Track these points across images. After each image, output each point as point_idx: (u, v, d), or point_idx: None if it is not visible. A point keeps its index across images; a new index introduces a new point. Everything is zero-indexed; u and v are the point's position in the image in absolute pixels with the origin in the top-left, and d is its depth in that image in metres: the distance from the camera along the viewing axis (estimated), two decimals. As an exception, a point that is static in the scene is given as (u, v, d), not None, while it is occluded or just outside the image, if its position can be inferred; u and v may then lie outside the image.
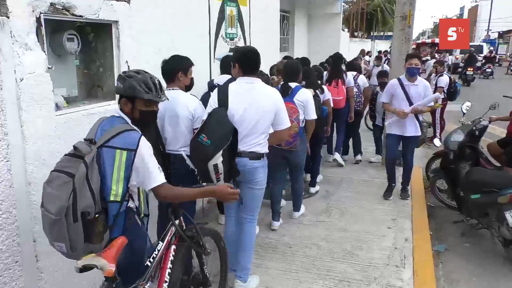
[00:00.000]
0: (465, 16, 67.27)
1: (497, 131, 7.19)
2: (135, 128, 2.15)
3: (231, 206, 3.23)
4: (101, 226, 1.97)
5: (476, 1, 62.69)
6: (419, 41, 28.76)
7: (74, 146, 2.01)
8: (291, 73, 4.18)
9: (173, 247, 2.41)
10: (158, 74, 2.78)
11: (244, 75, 2.95)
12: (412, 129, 4.79)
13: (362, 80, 6.71)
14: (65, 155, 2.04)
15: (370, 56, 17.88)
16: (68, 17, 2.69)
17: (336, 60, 6.25)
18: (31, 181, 2.44)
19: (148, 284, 2.17)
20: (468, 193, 4.02)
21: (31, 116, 2.41)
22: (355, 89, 6.36)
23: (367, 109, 7.16)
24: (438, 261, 3.84)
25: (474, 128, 4.48)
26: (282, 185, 4.47)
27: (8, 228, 2.32)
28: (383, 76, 6.78)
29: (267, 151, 3.07)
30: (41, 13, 2.45)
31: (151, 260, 2.24)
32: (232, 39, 5.36)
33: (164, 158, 3.02)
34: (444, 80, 7.93)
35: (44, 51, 2.51)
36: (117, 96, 2.24)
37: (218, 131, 2.67)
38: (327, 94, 5.20)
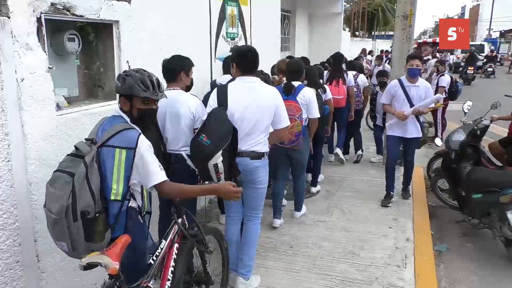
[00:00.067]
0: (467, 15, 67.16)
1: (499, 131, 7.17)
2: (134, 127, 2.15)
3: (232, 206, 3.22)
4: (102, 225, 1.98)
5: (478, 0, 62.58)
6: (421, 41, 28.76)
7: (75, 146, 2.05)
8: (294, 72, 4.18)
9: (176, 245, 2.43)
10: (158, 74, 2.78)
11: (243, 74, 2.95)
12: (413, 131, 4.72)
13: (362, 79, 6.75)
14: (67, 155, 2.09)
15: (372, 56, 17.87)
16: (69, 17, 2.70)
17: (336, 59, 6.26)
18: (32, 181, 2.44)
19: (151, 282, 2.19)
20: (469, 192, 4.02)
21: (32, 116, 2.41)
22: (355, 89, 6.39)
23: (368, 108, 7.16)
24: (439, 261, 3.84)
25: (475, 127, 4.47)
26: (284, 184, 4.48)
27: (9, 228, 2.32)
28: (382, 76, 6.79)
29: (268, 150, 3.07)
30: (41, 13, 2.45)
31: (154, 258, 2.26)
32: (233, 38, 5.36)
33: (165, 158, 3.02)
34: (446, 79, 7.91)
35: (45, 51, 2.51)
36: (118, 96, 2.25)
37: (217, 131, 2.68)
38: (329, 94, 5.21)
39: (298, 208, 4.54)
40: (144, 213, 2.27)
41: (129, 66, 3.18)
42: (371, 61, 15.28)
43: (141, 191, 2.21)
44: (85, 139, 2.13)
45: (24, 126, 2.37)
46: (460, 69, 21.62)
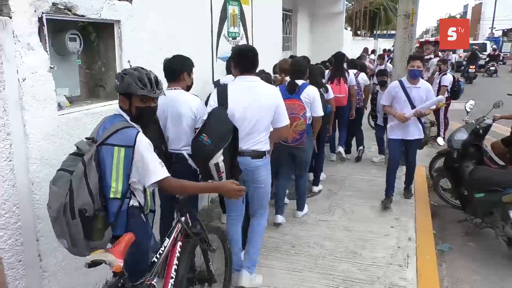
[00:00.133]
0: (469, 13, 66.96)
1: (501, 130, 7.15)
2: (134, 125, 2.16)
3: (232, 205, 3.23)
4: (101, 224, 2.00)
5: (480, -1, 62.42)
6: (423, 40, 28.69)
7: (75, 145, 2.06)
8: (298, 71, 4.19)
9: (179, 243, 2.44)
10: (159, 74, 2.78)
11: (242, 74, 2.96)
12: (415, 132, 4.66)
13: (363, 77, 6.79)
14: (70, 154, 2.12)
15: (375, 55, 17.85)
16: (70, 17, 2.70)
17: (338, 59, 6.29)
18: (34, 181, 2.45)
19: (155, 280, 2.20)
20: (472, 192, 4.01)
21: (34, 116, 2.42)
22: (355, 87, 6.42)
23: (369, 108, 7.16)
24: (441, 260, 3.83)
25: (478, 126, 4.46)
26: (286, 183, 4.48)
27: (11, 227, 2.33)
28: (382, 75, 6.81)
29: (269, 148, 3.08)
30: (43, 13, 2.45)
31: (158, 256, 2.28)
32: (234, 38, 5.36)
33: (167, 157, 3.02)
34: (448, 78, 7.89)
35: (47, 51, 2.52)
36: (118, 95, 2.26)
37: (218, 130, 2.69)
38: (331, 93, 5.23)
39: (300, 207, 4.54)
40: (148, 211, 2.28)
41: (130, 66, 3.18)
42: (374, 60, 15.25)
43: (143, 189, 2.21)
44: (86, 138, 2.15)
45: (26, 125, 2.37)
46: (462, 68, 21.65)
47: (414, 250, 3.80)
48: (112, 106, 3.03)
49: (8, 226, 2.32)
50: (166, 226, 3.02)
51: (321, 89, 4.76)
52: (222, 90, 2.95)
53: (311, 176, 5.37)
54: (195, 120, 3.03)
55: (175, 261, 2.39)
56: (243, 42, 5.60)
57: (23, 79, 2.33)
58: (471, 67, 19.73)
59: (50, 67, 2.53)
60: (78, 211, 1.93)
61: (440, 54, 16.57)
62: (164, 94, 2.26)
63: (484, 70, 23.27)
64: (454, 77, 8.05)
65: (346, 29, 15.64)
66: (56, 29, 2.80)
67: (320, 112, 4.15)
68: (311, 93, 4.06)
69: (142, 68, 2.20)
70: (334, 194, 5.23)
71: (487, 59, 24.35)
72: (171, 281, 2.34)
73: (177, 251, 2.41)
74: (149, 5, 3.46)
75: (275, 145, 3.14)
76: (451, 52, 20.55)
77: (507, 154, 4.76)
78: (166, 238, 2.39)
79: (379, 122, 6.57)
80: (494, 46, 28.65)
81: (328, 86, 5.33)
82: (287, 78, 4.61)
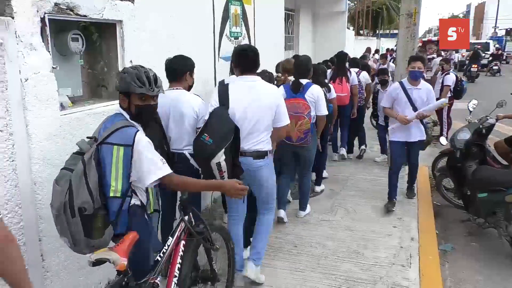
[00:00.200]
0: (472, 13, 66.77)
1: (505, 129, 7.13)
2: (134, 124, 2.17)
3: (233, 205, 3.22)
4: (101, 222, 2.01)
5: (483, -2, 62.18)
6: (425, 39, 28.63)
7: (77, 144, 2.09)
8: (302, 70, 4.20)
9: (183, 242, 2.45)
10: (162, 73, 2.79)
11: (243, 73, 2.96)
12: (417, 134, 4.62)
13: (364, 76, 6.81)
14: (73, 153, 2.14)
15: (379, 54, 17.82)
16: (73, 17, 2.70)
17: (340, 58, 6.31)
18: (36, 181, 2.45)
19: (159, 279, 2.21)
20: (475, 191, 4.00)
21: (36, 116, 2.42)
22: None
23: (371, 108, 7.16)
24: (444, 260, 3.82)
25: (481, 126, 4.44)
26: (289, 181, 4.49)
27: (13, 227, 2.33)
28: (383, 74, 6.81)
29: (271, 148, 3.07)
30: (45, 13, 2.45)
31: (161, 255, 2.29)
32: (236, 38, 5.35)
33: (169, 157, 3.03)
34: (451, 78, 7.87)
35: (49, 51, 2.51)
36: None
37: (219, 130, 2.70)
38: (333, 93, 5.24)
39: (302, 207, 4.54)
40: (152, 211, 2.29)
41: (132, 66, 3.19)
42: (377, 59, 15.22)
43: (145, 188, 2.22)
44: (87, 137, 2.17)
45: (28, 126, 2.37)
46: (465, 67, 21.67)
47: (417, 250, 3.79)
48: (114, 106, 3.03)
49: (11, 226, 2.31)
50: (166, 225, 3.02)
51: (323, 89, 4.75)
52: (223, 90, 2.96)
53: (313, 175, 5.37)
54: (197, 120, 3.04)
55: (179, 260, 2.40)
56: (245, 42, 5.60)
57: (25, 79, 2.33)
58: (473, 66, 19.87)
59: (53, 67, 2.53)
60: (78, 209, 1.94)
61: (442, 53, 16.54)
62: (163, 92, 2.27)
63: (487, 69, 23.24)
64: (457, 77, 8.03)
65: (348, 28, 15.62)
66: (58, 29, 2.81)
67: (324, 111, 4.17)
68: (315, 92, 4.07)
69: (142, 67, 2.20)
70: (336, 194, 5.22)
71: (490, 58, 24.29)
72: (175, 279, 2.35)
73: (180, 250, 2.42)
74: (152, 5, 3.46)
75: (279, 144, 3.14)
76: (453, 52, 20.58)
77: (510, 154, 4.74)
78: (170, 237, 2.40)
79: (381, 122, 6.57)
80: (497, 46, 28.59)
81: (331, 85, 5.34)
82: (290, 78, 4.61)
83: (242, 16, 5.52)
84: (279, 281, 3.32)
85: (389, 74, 7.16)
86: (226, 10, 5.02)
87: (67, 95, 2.93)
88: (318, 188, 5.25)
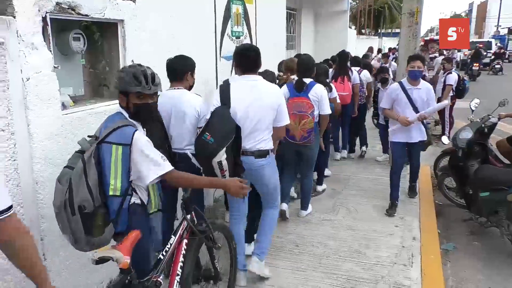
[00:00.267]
0: (474, 12, 66.58)
1: (507, 128, 7.11)
2: (132, 122, 2.18)
3: (235, 204, 3.23)
4: (101, 220, 2.03)
5: (485, -3, 61.99)
6: (427, 38, 28.57)
7: (78, 143, 2.12)
8: (306, 69, 4.20)
9: (185, 241, 2.46)
10: (162, 73, 2.78)
11: (244, 73, 2.96)
12: (417, 135, 4.58)
13: (365, 75, 6.81)
14: (75, 152, 2.16)
15: (381, 54, 17.78)
16: (74, 17, 2.70)
17: (342, 57, 6.31)
18: (38, 180, 2.45)
19: (161, 277, 2.23)
20: (477, 191, 3.99)
21: (38, 115, 2.43)
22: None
23: (372, 108, 7.17)
24: (446, 259, 3.81)
25: (483, 125, 4.43)
26: (290, 181, 4.49)
27: (15, 226, 2.33)
28: (383, 72, 6.80)
29: (272, 147, 3.09)
30: (47, 12, 2.46)
31: (164, 253, 2.29)
32: (238, 37, 5.35)
33: (171, 157, 3.03)
34: (453, 77, 7.85)
35: (50, 51, 2.52)
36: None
37: (221, 129, 2.71)
38: (335, 92, 5.23)
39: (304, 206, 4.53)
40: (155, 210, 2.29)
41: (133, 65, 3.19)
42: (380, 59, 15.19)
43: (146, 187, 2.22)
44: (88, 136, 2.20)
45: (30, 125, 2.38)
46: (466, 65, 21.69)
47: (419, 249, 3.78)
48: (116, 106, 3.01)
49: (13, 225, 2.32)
50: (166, 225, 3.01)
51: (325, 88, 4.75)
52: (224, 89, 2.96)
53: (315, 175, 5.37)
54: (199, 119, 3.04)
55: (181, 258, 2.40)
56: (247, 41, 5.59)
57: (27, 79, 2.34)
58: (474, 64, 19.97)
59: (54, 67, 2.54)
60: (78, 207, 1.96)
61: (444, 52, 16.50)
62: (161, 90, 2.28)
63: (489, 68, 23.21)
64: (459, 76, 8.01)
65: (350, 27, 15.58)
66: (60, 28, 2.81)
67: (327, 110, 4.18)
68: (319, 92, 4.08)
69: (139, 65, 2.21)
70: (338, 193, 5.21)
71: (493, 57, 24.26)
72: (177, 278, 2.36)
73: (182, 249, 2.43)
74: (153, 4, 3.46)
75: (283, 142, 3.16)
76: (456, 51, 20.51)
77: (512, 153, 4.73)
78: (172, 236, 2.41)
79: (381, 121, 6.56)
80: (500, 44, 28.52)
81: (332, 85, 5.34)
82: (292, 77, 4.60)
83: (244, 16, 5.51)
84: (281, 280, 3.32)
85: (390, 73, 7.15)
86: (228, 9, 5.02)
87: (69, 95, 2.93)
88: (319, 188, 5.25)
